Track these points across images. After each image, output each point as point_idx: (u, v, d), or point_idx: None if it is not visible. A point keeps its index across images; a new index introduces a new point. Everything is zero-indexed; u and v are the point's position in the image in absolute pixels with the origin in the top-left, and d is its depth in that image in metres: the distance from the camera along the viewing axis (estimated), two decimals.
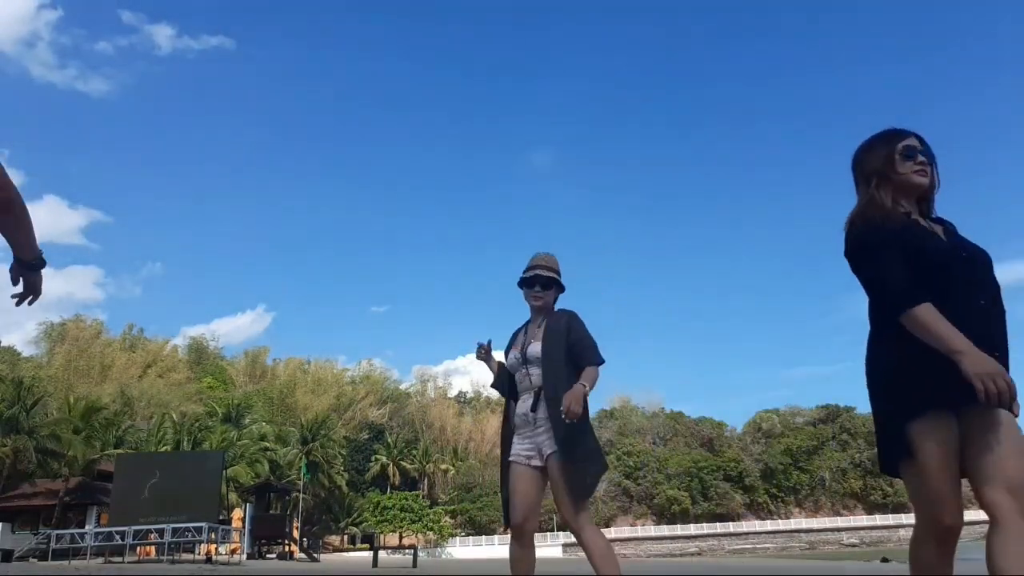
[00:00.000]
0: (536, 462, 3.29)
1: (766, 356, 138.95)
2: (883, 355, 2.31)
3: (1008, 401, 1.99)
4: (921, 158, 2.42)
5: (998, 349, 2.15)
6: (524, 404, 3.37)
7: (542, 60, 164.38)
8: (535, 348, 3.36)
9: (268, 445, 51.36)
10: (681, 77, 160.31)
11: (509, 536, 3.40)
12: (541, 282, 3.45)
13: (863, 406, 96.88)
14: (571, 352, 3.31)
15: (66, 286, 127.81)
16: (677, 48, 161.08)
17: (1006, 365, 2.17)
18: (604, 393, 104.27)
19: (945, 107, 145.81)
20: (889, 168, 2.43)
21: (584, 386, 3.17)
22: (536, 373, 3.34)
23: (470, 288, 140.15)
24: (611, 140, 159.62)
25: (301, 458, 56.05)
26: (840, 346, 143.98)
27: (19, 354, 60.95)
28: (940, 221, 2.47)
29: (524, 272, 3.50)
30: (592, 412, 5.03)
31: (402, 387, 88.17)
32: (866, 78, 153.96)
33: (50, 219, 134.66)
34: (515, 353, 3.44)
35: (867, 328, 2.46)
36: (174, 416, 46.63)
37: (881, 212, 2.40)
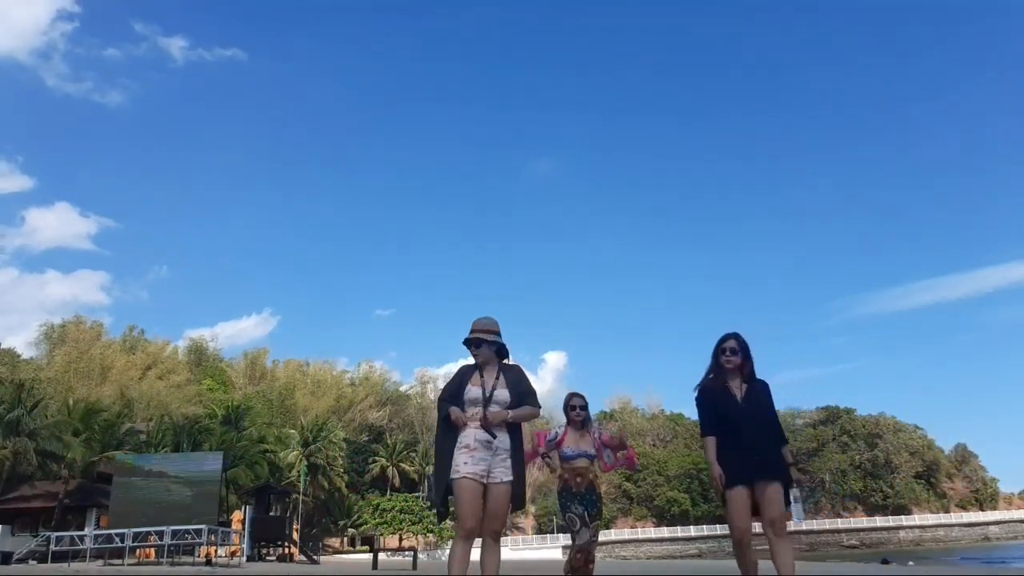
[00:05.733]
0: (483, 480, 4.13)
1: (766, 357, 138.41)
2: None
3: (719, 489, 4.46)
4: (729, 354, 4.63)
5: (759, 454, 4.43)
6: (483, 433, 4.17)
7: (545, 66, 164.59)
8: (503, 394, 4.30)
9: (268, 447, 51.29)
10: (683, 80, 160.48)
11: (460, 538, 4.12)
12: (475, 344, 4.40)
13: (863, 408, 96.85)
14: (519, 398, 4.33)
15: (71, 290, 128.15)
16: (680, 53, 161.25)
17: (771, 456, 4.48)
18: (604, 395, 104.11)
19: (945, 108, 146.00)
20: (715, 361, 4.69)
21: (508, 412, 4.23)
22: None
23: (473, 291, 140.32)
24: (613, 143, 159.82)
25: (301, 460, 56.00)
26: (840, 348, 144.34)
27: (19, 356, 60.85)
28: (753, 382, 4.67)
29: (468, 335, 4.42)
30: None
31: (401, 389, 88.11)
32: (865, 75, 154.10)
33: (60, 225, 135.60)
34: (478, 391, 4.28)
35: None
36: (174, 418, 46.55)
37: (709, 384, 4.71)
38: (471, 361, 4.49)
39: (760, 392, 4.66)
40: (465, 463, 4.13)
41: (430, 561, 44.30)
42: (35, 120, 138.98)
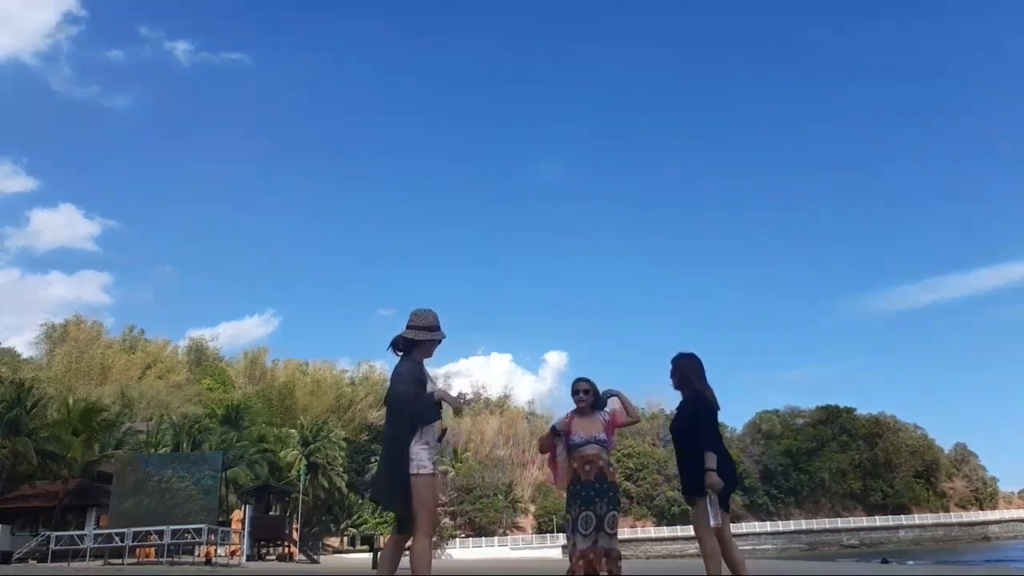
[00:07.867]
0: None
1: (766, 357, 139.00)
2: None
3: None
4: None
5: (679, 471, 5.05)
6: (437, 432, 4.29)
7: (548, 67, 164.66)
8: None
9: (268, 447, 51.25)
10: (684, 80, 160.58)
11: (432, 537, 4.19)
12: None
13: (863, 407, 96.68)
14: None
15: (74, 291, 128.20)
16: (681, 53, 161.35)
17: (683, 473, 5.05)
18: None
19: (944, 108, 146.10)
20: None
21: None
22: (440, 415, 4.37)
23: (475, 290, 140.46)
24: (616, 145, 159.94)
25: (301, 459, 55.99)
26: (840, 348, 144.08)
27: (19, 356, 60.83)
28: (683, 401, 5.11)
29: (438, 333, 4.54)
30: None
31: None
32: (864, 74, 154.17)
33: (64, 226, 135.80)
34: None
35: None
36: (173, 417, 46.55)
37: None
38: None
39: (679, 410, 5.09)
40: (431, 460, 4.12)
41: None
42: (40, 122, 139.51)
